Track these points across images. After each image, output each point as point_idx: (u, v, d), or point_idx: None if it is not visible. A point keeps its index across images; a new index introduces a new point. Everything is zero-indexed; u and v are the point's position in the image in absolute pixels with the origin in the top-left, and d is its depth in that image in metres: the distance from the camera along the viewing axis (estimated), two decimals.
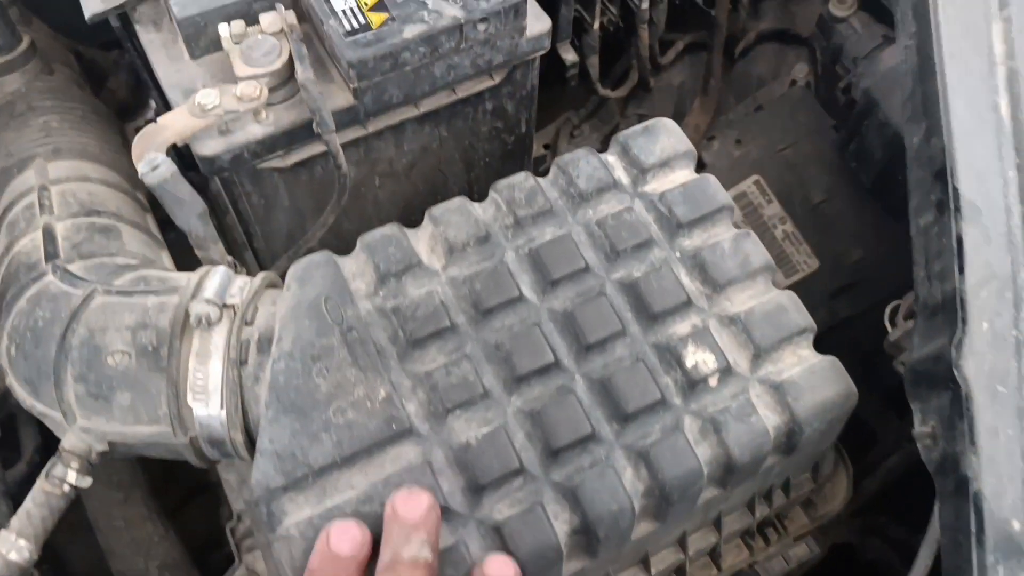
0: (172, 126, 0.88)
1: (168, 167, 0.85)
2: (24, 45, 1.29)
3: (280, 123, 0.94)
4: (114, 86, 1.60)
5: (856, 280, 1.30)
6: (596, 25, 1.29)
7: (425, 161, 1.12)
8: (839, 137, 1.30)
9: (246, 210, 1.03)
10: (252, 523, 0.97)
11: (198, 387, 0.79)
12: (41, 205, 1.01)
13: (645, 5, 1.31)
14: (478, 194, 1.19)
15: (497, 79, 1.05)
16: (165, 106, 1.28)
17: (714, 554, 0.97)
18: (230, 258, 0.92)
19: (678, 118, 1.06)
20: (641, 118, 1.57)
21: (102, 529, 1.22)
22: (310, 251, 0.96)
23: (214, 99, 0.89)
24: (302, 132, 0.95)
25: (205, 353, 0.80)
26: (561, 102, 1.55)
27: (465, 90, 1.04)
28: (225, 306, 0.81)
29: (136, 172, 1.20)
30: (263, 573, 0.96)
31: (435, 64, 0.97)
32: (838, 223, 1.32)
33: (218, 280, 0.82)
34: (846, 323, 1.32)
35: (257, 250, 1.11)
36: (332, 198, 1.00)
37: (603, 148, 0.95)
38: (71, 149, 1.14)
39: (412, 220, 0.92)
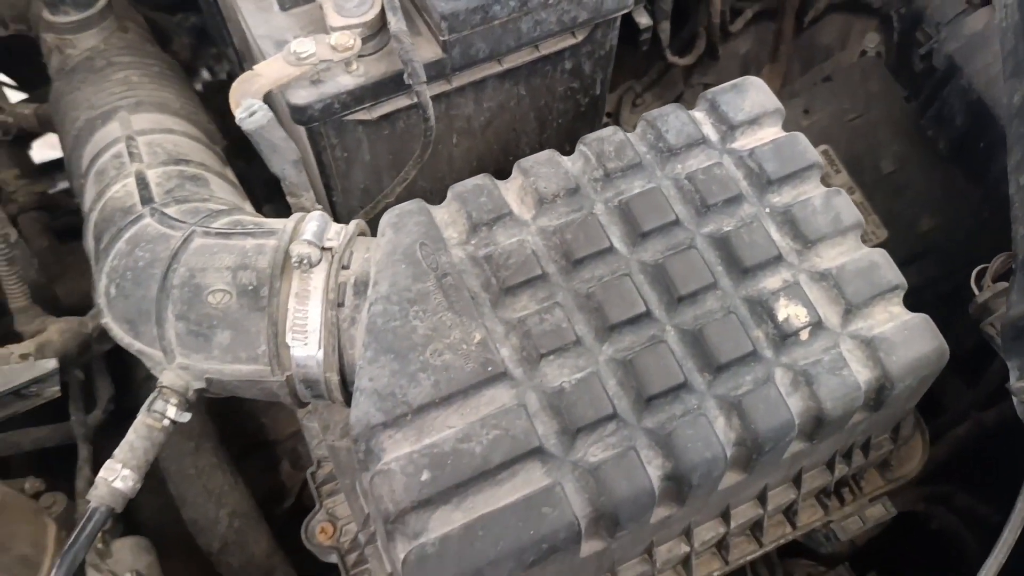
0: (268, 74, 0.89)
1: (265, 113, 0.86)
2: (102, 3, 1.31)
3: (370, 74, 0.95)
4: (177, 48, 1.62)
5: (926, 249, 1.29)
6: None
7: (501, 119, 1.13)
8: (915, 104, 1.29)
9: (329, 163, 1.04)
10: (335, 468, 0.98)
11: (297, 327, 0.80)
12: (130, 154, 1.03)
13: None
14: None
15: (579, 37, 1.06)
16: (239, 60, 1.30)
17: (790, 511, 0.97)
18: (320, 206, 0.93)
19: None
20: (706, 87, 1.56)
21: (174, 477, 1.25)
22: (387, 207, 0.97)
23: (310, 48, 0.90)
24: (390, 84, 0.96)
25: (304, 294, 0.81)
26: (624, 70, 1.55)
27: (548, 47, 1.04)
28: (323, 249, 0.82)
29: (214, 127, 1.22)
30: (343, 517, 0.98)
31: (523, 19, 0.97)
32: (909, 192, 1.31)
33: (316, 224, 0.83)
34: (915, 293, 1.31)
35: (335, 204, 1.12)
36: (412, 154, 1.00)
37: None
38: (152, 102, 1.16)
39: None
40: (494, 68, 1.03)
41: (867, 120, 1.36)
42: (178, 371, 0.84)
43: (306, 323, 0.81)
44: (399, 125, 1.04)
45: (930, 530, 1.24)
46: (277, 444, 1.49)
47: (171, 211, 0.90)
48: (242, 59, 1.27)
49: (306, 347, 0.81)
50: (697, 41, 1.46)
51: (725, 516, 0.92)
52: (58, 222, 1.52)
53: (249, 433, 1.49)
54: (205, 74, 1.90)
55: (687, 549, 0.91)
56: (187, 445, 1.26)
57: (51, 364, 1.00)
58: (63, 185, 1.73)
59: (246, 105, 0.86)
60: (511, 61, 1.03)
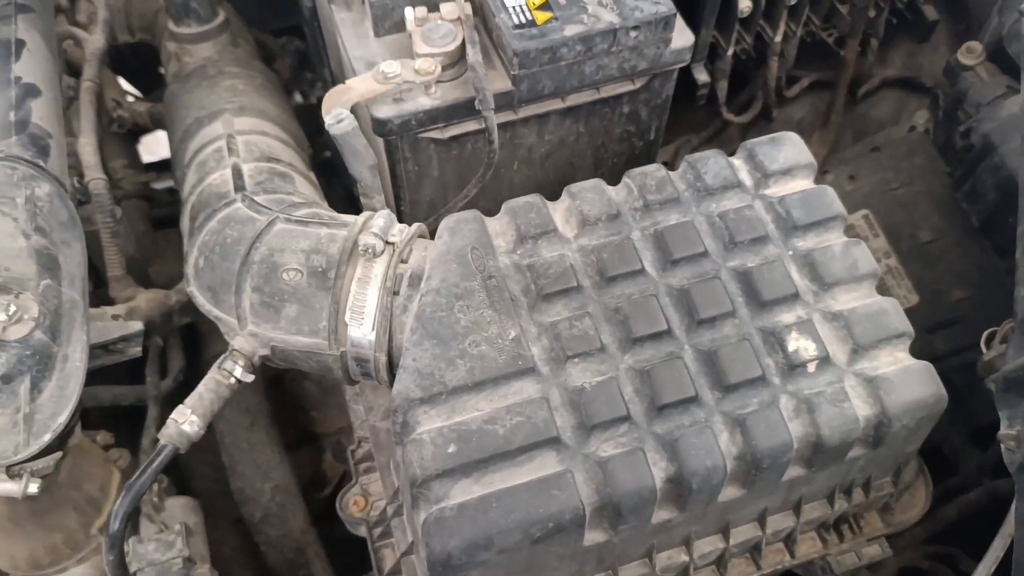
0: (358, 88, 1.02)
1: (351, 122, 0.99)
2: (220, 19, 1.48)
3: (446, 98, 1.07)
4: (279, 67, 1.79)
5: (955, 318, 1.34)
6: (730, 52, 1.39)
7: (560, 153, 1.23)
8: (954, 178, 1.36)
9: (401, 175, 1.16)
10: (373, 447, 1.08)
11: (356, 308, 0.91)
12: (229, 149, 1.17)
13: (778, 38, 1.40)
14: None
15: (637, 84, 1.16)
16: (332, 80, 1.44)
17: (789, 540, 1.03)
18: (387, 209, 1.04)
19: None
20: None
21: (228, 448, 1.36)
22: None
23: (396, 69, 1.02)
24: (462, 109, 1.08)
25: (366, 279, 0.92)
26: (683, 125, 1.65)
27: (608, 91, 1.15)
28: (387, 243, 0.93)
29: (303, 135, 1.37)
30: (375, 494, 1.07)
31: (587, 63, 1.08)
32: (943, 262, 1.37)
33: (383, 221, 0.95)
34: (941, 360, 1.36)
35: (403, 214, 1.24)
36: (476, 173, 1.12)
37: None
38: (253, 108, 1.30)
39: None
40: (557, 104, 1.14)
41: (909, 191, 1.43)
42: (248, 337, 0.95)
43: (364, 305, 0.91)
44: (467, 147, 1.15)
45: None
46: (323, 437, 1.60)
47: (260, 199, 1.03)
48: (336, 78, 1.41)
49: (361, 327, 0.91)
50: (754, 103, 1.56)
51: (725, 533, 0.98)
52: (155, 212, 1.69)
53: (299, 424, 1.60)
54: (298, 97, 2.08)
55: (686, 559, 0.97)
56: (243, 420, 1.38)
57: (137, 326, 1.13)
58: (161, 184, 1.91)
59: (335, 113, 0.99)
60: (573, 100, 1.14)
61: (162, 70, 1.76)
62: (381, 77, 1.03)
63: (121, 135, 1.63)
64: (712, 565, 1.02)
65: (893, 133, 1.55)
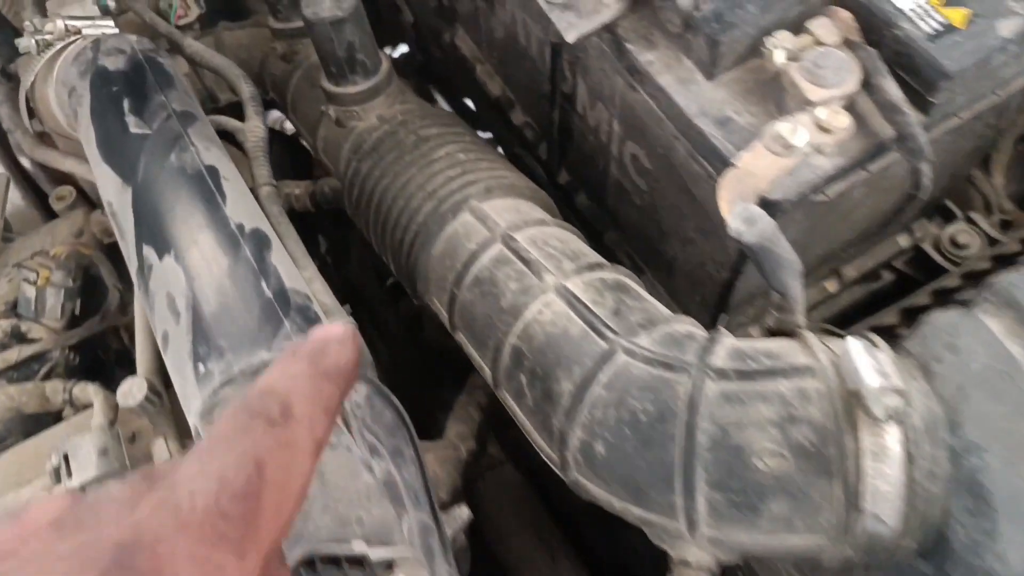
0: (760, 171, 0.73)
1: (768, 222, 0.71)
2: (386, 66, 1.17)
3: (848, 152, 0.79)
4: None
5: None
6: None
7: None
8: None
9: None
10: None
11: (878, 493, 0.65)
12: (524, 260, 0.88)
13: None
14: None
15: None
16: (605, 141, 1.12)
17: None
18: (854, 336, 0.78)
19: None
20: None
21: None
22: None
23: (801, 133, 0.74)
24: (864, 160, 0.80)
25: (882, 451, 0.66)
26: None
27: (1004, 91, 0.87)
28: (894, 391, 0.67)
29: (554, 206, 1.07)
30: None
31: (1009, 64, 0.80)
32: None
33: (868, 359, 0.68)
34: None
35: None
36: (825, 229, 0.85)
37: None
38: (500, 186, 1.01)
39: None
40: (954, 123, 0.86)
41: None
42: (705, 544, 0.70)
43: (889, 488, 0.66)
44: (841, 200, 0.88)
45: None
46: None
47: (646, 343, 0.75)
48: (610, 137, 1.07)
49: (887, 515, 0.66)
50: None
51: None
52: None
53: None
54: None
55: None
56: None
57: (465, 514, 0.87)
58: None
59: (743, 212, 0.71)
60: (970, 112, 0.86)
61: (283, 127, 1.46)
62: (780, 147, 0.74)
63: None
64: None
65: None
